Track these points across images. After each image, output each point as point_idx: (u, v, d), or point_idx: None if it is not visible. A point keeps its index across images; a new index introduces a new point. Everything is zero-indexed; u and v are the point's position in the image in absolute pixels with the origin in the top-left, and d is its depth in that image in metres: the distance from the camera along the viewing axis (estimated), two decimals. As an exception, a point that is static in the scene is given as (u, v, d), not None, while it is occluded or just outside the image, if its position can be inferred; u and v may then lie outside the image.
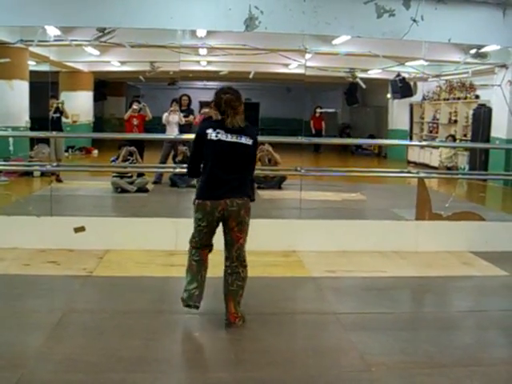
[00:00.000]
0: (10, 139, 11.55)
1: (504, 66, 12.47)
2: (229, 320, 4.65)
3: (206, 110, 10.59)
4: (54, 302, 5.10)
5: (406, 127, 18.25)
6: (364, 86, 13.77)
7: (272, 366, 3.98)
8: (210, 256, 4.75)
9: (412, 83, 12.93)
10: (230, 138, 4.45)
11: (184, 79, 10.98)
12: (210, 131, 4.47)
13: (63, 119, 11.80)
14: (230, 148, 4.46)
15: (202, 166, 4.64)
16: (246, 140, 4.49)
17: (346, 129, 22.26)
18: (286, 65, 13.77)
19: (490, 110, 13.96)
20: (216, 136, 4.44)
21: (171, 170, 10.49)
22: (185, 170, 9.89)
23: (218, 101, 4.50)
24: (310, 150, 16.96)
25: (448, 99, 16.67)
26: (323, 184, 11.27)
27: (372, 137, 18.97)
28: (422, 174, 7.92)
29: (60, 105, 11.57)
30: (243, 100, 4.57)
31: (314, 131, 18.10)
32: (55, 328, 4.45)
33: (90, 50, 12.83)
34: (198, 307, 4.64)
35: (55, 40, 8.57)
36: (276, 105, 24.19)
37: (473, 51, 9.87)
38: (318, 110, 19.32)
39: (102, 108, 20.02)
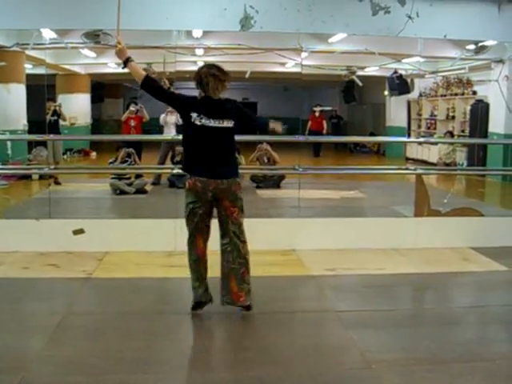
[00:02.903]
0: (8, 143, 11.53)
1: (500, 61, 12.46)
2: (232, 300, 4.71)
3: None
4: (53, 304, 5.09)
5: (404, 124, 18.25)
6: (360, 83, 13.78)
7: (272, 365, 3.97)
8: (209, 256, 4.77)
9: (409, 80, 12.91)
10: (212, 123, 4.55)
11: (181, 80, 10.95)
12: (194, 115, 4.55)
13: (61, 122, 11.81)
14: (213, 133, 4.56)
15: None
16: (227, 123, 4.59)
17: (333, 118, 20.94)
18: (283, 64, 13.79)
19: (487, 106, 13.96)
20: (200, 121, 4.54)
21: (169, 170, 10.49)
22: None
23: (197, 77, 4.59)
24: (309, 154, 16.80)
25: (445, 95, 16.67)
26: (322, 182, 11.29)
27: (372, 135, 18.87)
28: (420, 171, 7.93)
29: (57, 107, 11.60)
30: (228, 75, 4.61)
31: (308, 133, 16.24)
32: (55, 330, 4.44)
33: (86, 52, 12.84)
34: (203, 303, 4.74)
35: (51, 43, 8.57)
36: (273, 104, 24.13)
37: (470, 47, 9.87)
38: (318, 109, 17.78)
39: (100, 110, 20.01)
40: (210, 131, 4.55)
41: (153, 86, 4.71)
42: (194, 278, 4.74)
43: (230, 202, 4.62)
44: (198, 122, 4.54)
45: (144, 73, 4.68)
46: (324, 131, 17.40)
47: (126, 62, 4.69)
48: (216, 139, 4.57)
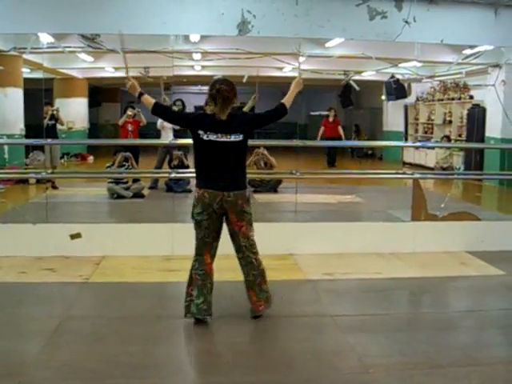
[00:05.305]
0: (5, 147, 11.53)
1: (497, 65, 12.51)
2: (252, 310, 4.80)
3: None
4: (51, 309, 5.08)
5: (401, 128, 18.26)
6: (357, 88, 13.75)
7: (270, 370, 3.97)
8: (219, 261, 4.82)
9: (406, 84, 12.92)
10: (220, 138, 4.62)
11: (178, 84, 10.96)
12: (201, 132, 4.64)
13: (58, 126, 11.81)
14: (220, 147, 4.63)
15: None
16: (235, 137, 4.65)
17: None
18: (280, 68, 13.80)
19: (484, 110, 14.01)
20: (207, 137, 4.62)
21: (167, 175, 10.49)
22: (180, 175, 10.01)
23: (211, 92, 4.64)
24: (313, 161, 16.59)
25: (442, 100, 16.71)
26: (319, 186, 11.28)
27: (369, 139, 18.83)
28: (417, 175, 7.93)
29: (55, 112, 11.60)
30: (236, 91, 4.70)
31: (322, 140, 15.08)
32: (53, 335, 4.43)
33: (83, 56, 12.85)
34: (207, 320, 4.70)
35: (48, 47, 8.57)
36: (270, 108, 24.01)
37: (467, 51, 9.89)
38: (332, 113, 15.94)
39: (97, 114, 20.01)
40: (216, 146, 4.62)
41: (162, 111, 5.04)
42: (197, 294, 4.67)
43: (237, 217, 4.68)
44: (205, 138, 4.62)
45: (153, 101, 4.91)
46: (342, 137, 15.79)
47: (140, 96, 4.93)
48: (223, 153, 4.64)
